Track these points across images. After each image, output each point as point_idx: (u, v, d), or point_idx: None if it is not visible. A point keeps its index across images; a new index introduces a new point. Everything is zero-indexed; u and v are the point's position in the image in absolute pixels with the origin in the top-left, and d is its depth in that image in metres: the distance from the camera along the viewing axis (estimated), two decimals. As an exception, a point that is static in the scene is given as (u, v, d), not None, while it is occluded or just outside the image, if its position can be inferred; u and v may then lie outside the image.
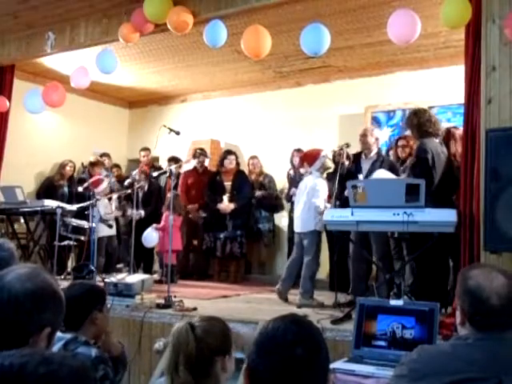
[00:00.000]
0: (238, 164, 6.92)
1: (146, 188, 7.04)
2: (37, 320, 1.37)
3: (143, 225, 6.43)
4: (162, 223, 6.27)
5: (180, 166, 7.01)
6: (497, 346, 1.72)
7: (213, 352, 1.86)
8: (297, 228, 5.17)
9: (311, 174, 5.14)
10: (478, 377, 1.66)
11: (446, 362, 1.73)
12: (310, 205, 4.98)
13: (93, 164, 7.19)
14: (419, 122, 4.52)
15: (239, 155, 7.43)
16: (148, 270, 6.91)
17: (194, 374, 1.81)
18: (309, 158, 5.31)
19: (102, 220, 6.19)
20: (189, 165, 7.25)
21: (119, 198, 6.84)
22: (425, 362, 1.76)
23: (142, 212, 6.69)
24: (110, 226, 6.65)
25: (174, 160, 7.08)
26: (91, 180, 6.49)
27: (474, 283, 1.76)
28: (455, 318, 1.88)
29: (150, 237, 6.22)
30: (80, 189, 6.35)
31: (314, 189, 5.01)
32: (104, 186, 6.43)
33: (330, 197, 5.13)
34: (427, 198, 3.87)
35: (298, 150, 6.82)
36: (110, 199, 6.55)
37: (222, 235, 6.51)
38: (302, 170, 5.58)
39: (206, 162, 7.16)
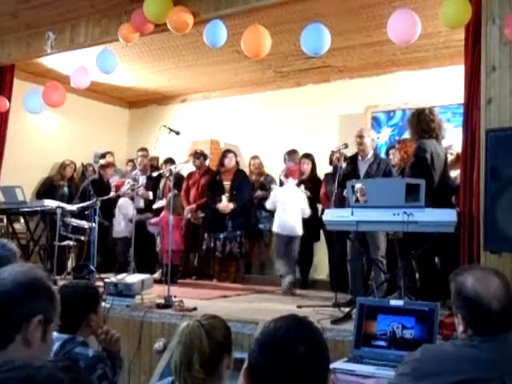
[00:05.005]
0: (237, 163, 6.90)
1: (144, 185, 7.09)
2: (26, 306, 1.39)
3: (143, 225, 6.44)
4: (157, 219, 6.45)
5: (175, 168, 7.01)
6: (501, 348, 1.71)
7: (221, 348, 1.90)
8: None
9: None
10: (481, 377, 1.66)
11: (450, 362, 1.72)
12: None
13: (104, 166, 7.46)
14: (420, 122, 4.51)
15: (239, 155, 7.41)
16: (151, 269, 6.88)
17: (206, 371, 1.84)
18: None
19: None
20: (189, 165, 7.24)
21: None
22: (428, 361, 1.76)
23: (150, 193, 7.09)
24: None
25: (170, 161, 7.10)
26: (115, 183, 7.09)
27: (471, 291, 1.74)
28: (456, 323, 1.86)
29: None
30: (112, 194, 6.75)
31: None
32: (126, 187, 6.82)
33: (328, 197, 5.12)
34: (426, 197, 3.86)
35: (290, 153, 6.76)
36: (132, 198, 6.81)
37: (221, 235, 6.49)
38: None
39: (206, 162, 7.14)
